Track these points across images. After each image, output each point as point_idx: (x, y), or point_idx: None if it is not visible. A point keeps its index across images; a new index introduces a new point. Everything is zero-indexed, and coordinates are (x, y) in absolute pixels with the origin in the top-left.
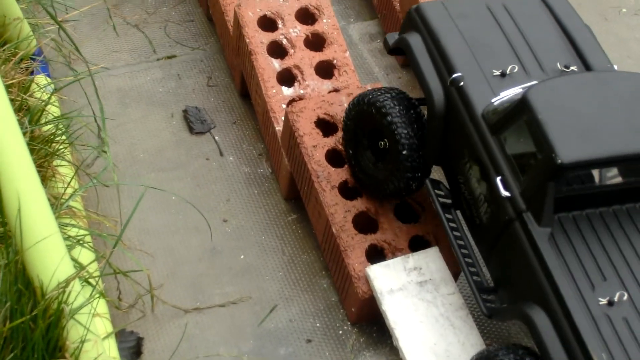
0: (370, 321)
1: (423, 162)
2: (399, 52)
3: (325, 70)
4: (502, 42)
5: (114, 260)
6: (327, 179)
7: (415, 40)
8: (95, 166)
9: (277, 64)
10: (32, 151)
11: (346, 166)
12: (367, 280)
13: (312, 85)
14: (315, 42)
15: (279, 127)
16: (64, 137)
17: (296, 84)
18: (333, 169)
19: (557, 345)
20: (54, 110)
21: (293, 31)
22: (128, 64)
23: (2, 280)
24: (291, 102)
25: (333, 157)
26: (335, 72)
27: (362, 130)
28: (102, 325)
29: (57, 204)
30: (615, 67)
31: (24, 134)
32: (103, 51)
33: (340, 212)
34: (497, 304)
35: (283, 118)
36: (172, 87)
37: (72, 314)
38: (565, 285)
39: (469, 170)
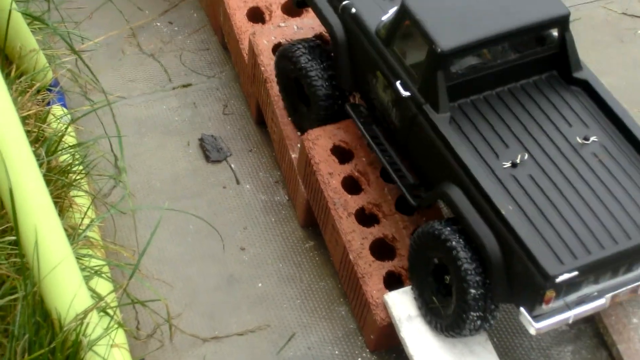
0: (389, 348)
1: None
2: (303, 4)
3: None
4: None
5: (132, 289)
6: (343, 206)
7: None
8: (113, 195)
9: None
10: (49, 182)
11: (362, 193)
12: (385, 307)
13: None
14: None
15: (295, 155)
16: (80, 167)
17: None
18: (349, 196)
19: (472, 212)
20: (70, 140)
21: None
22: (144, 93)
23: (20, 313)
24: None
25: (349, 185)
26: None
27: (286, 77)
28: (121, 356)
29: (74, 234)
30: None
31: (41, 165)
32: (119, 81)
33: (357, 239)
34: (422, 195)
35: (299, 146)
36: (188, 115)
37: (91, 345)
38: (469, 159)
39: (376, 85)
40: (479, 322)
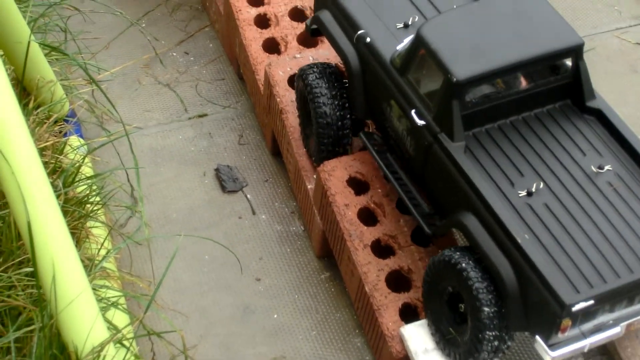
0: None
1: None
2: (318, 32)
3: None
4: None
5: (147, 319)
6: (359, 237)
7: (325, 16)
8: (129, 226)
9: None
10: (66, 213)
11: (378, 224)
12: (401, 340)
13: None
14: None
15: (310, 186)
16: (97, 198)
17: None
18: (365, 227)
19: (488, 240)
20: (87, 171)
21: None
22: (160, 123)
23: (37, 345)
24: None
25: (365, 216)
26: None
27: (304, 104)
28: None
29: (91, 265)
30: None
31: (58, 196)
32: (135, 111)
33: (373, 270)
34: (437, 223)
35: (315, 177)
36: (204, 145)
37: None
38: (485, 187)
39: (390, 113)
40: (496, 343)
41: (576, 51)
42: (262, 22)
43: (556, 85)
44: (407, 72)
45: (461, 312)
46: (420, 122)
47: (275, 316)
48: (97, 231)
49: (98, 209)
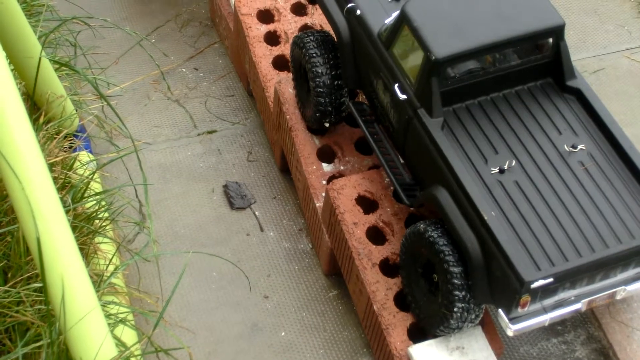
0: None
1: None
2: (314, 1)
3: (366, 145)
4: None
5: (155, 336)
6: (368, 256)
7: None
8: (137, 242)
9: (317, 140)
10: (74, 229)
11: (387, 243)
12: (409, 359)
13: (352, 161)
14: (355, 118)
15: (319, 204)
16: (106, 214)
17: (336, 160)
18: (374, 246)
19: (457, 215)
20: (96, 186)
21: None
22: (169, 139)
23: None
24: (331, 178)
25: (374, 235)
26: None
27: (299, 67)
28: None
29: (99, 281)
30: None
31: (67, 212)
32: (144, 126)
33: (381, 289)
34: (417, 194)
35: (323, 194)
36: (213, 162)
37: None
38: (457, 163)
39: (377, 85)
40: (465, 313)
41: (557, 32)
42: (272, 39)
43: (537, 64)
44: (391, 46)
45: (435, 281)
46: (402, 97)
47: (283, 334)
48: (106, 247)
49: (106, 225)
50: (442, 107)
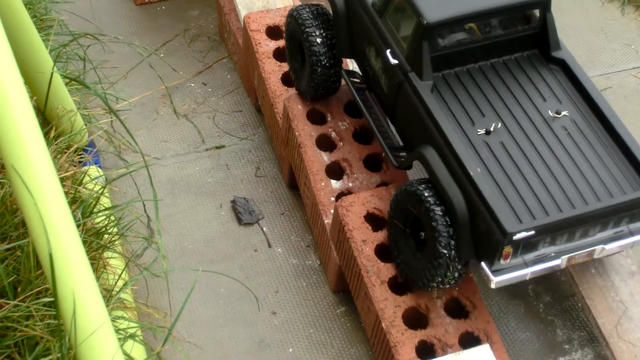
0: None
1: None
2: None
3: (374, 163)
4: None
5: (163, 351)
6: (376, 274)
7: None
8: (145, 257)
9: (325, 157)
10: (84, 244)
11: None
12: None
13: (361, 178)
14: (363, 135)
15: (327, 220)
16: (115, 229)
17: (345, 176)
18: (382, 264)
19: (444, 172)
20: (104, 201)
21: (342, 124)
22: (177, 154)
23: None
24: (340, 195)
25: (382, 252)
26: (384, 165)
27: (294, 39)
28: None
29: (108, 296)
30: None
31: (77, 226)
32: (153, 141)
33: (390, 307)
34: (405, 157)
35: (332, 211)
36: (221, 177)
37: None
38: (445, 123)
39: (369, 52)
40: (450, 269)
41: (543, 3)
42: (281, 55)
43: (524, 35)
44: (385, 14)
45: (422, 239)
46: (394, 61)
47: (291, 350)
48: (115, 262)
49: (116, 240)
50: (432, 72)
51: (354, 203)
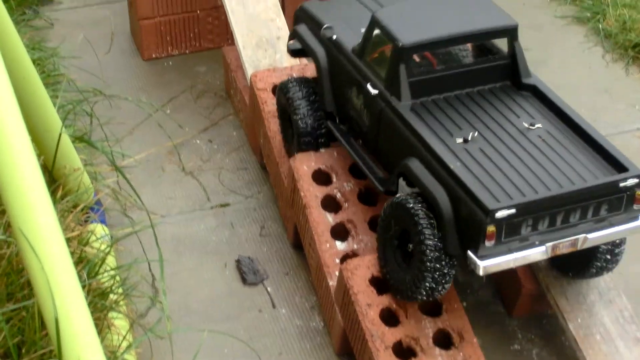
0: None
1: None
2: (298, 52)
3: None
4: (367, 13)
5: None
6: (381, 338)
7: (301, 28)
8: (149, 316)
9: (330, 218)
10: (89, 305)
11: (400, 325)
12: None
13: (366, 240)
14: (368, 196)
15: (332, 282)
16: (120, 290)
17: (350, 238)
18: (387, 328)
19: (427, 175)
20: (110, 260)
21: (347, 185)
22: (183, 212)
23: None
24: (345, 257)
25: (387, 316)
26: None
27: (285, 114)
28: None
29: (112, 358)
30: None
31: (83, 287)
32: (158, 198)
33: None
34: (389, 177)
35: (337, 273)
36: (226, 236)
37: None
38: (428, 135)
39: (351, 94)
40: (436, 274)
41: (511, 32)
42: None
43: (496, 65)
44: (364, 54)
45: (409, 251)
46: (374, 92)
47: None
48: (119, 322)
49: (120, 300)
50: (410, 98)
51: (359, 266)
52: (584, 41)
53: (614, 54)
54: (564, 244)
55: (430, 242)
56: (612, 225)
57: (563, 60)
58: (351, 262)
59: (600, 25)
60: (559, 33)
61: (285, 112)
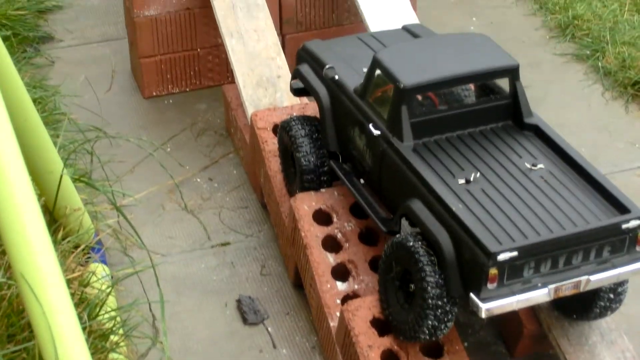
0: None
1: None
2: (301, 92)
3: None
4: (369, 52)
5: None
6: None
7: (303, 67)
8: (150, 357)
9: (331, 258)
10: (89, 347)
11: None
12: None
13: (367, 280)
14: (370, 237)
15: (333, 323)
16: (121, 331)
17: (351, 278)
18: None
19: (429, 216)
20: (111, 300)
21: (347, 225)
22: (183, 251)
23: None
24: (346, 297)
25: (389, 358)
26: None
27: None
28: None
29: None
30: None
31: (83, 329)
32: (158, 237)
33: None
34: (392, 217)
35: (338, 314)
36: (226, 275)
37: None
38: (430, 176)
39: (354, 135)
40: (438, 312)
41: (512, 72)
42: None
43: (498, 105)
44: (366, 94)
45: (411, 291)
46: (376, 132)
47: None
48: None
49: (121, 341)
50: (412, 139)
51: (360, 307)
52: (584, 79)
53: (614, 91)
54: (567, 286)
55: (431, 279)
56: (614, 266)
57: (563, 98)
58: (352, 303)
59: (599, 63)
60: (558, 71)
61: (287, 151)
